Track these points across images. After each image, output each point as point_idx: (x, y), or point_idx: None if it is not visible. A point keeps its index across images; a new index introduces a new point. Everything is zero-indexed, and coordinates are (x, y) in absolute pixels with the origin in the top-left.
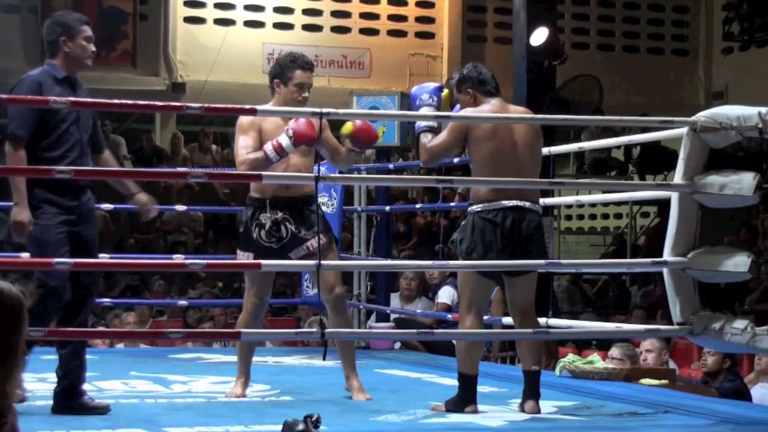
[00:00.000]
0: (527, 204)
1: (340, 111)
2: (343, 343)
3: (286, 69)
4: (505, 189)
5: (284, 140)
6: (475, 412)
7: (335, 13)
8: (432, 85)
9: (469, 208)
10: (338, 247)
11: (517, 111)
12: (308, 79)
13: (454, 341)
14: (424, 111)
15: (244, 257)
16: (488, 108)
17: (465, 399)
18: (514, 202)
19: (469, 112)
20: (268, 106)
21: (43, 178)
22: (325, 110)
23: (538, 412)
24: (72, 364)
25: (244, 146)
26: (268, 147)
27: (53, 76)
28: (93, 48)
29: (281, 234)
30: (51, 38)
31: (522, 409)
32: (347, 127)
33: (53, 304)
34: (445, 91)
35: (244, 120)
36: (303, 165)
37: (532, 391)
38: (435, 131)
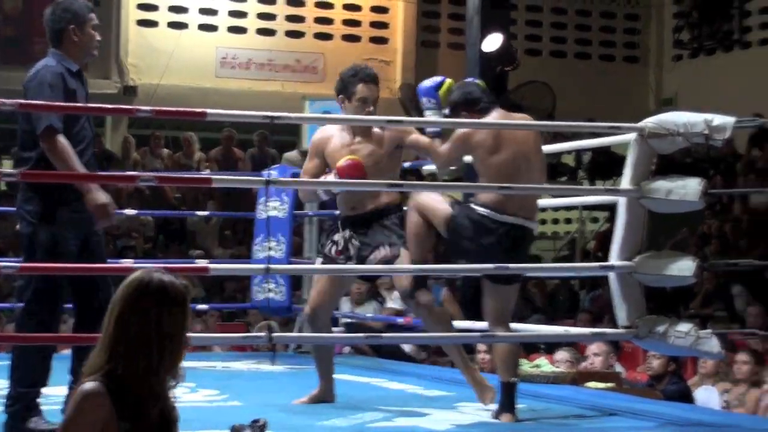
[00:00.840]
0: (527, 222)
1: (291, 115)
2: (457, 356)
3: (349, 84)
4: (512, 201)
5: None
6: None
7: (289, 18)
8: (430, 83)
9: (473, 205)
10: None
11: (519, 119)
12: (372, 93)
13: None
14: (428, 116)
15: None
16: (492, 120)
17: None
18: (519, 221)
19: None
20: (221, 111)
21: (55, 185)
22: (275, 114)
23: (513, 421)
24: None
25: (304, 171)
26: (319, 190)
27: (68, 69)
28: (99, 37)
29: (348, 253)
30: (59, 26)
31: (497, 419)
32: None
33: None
34: (446, 83)
35: (311, 145)
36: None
37: (508, 403)
38: (439, 136)
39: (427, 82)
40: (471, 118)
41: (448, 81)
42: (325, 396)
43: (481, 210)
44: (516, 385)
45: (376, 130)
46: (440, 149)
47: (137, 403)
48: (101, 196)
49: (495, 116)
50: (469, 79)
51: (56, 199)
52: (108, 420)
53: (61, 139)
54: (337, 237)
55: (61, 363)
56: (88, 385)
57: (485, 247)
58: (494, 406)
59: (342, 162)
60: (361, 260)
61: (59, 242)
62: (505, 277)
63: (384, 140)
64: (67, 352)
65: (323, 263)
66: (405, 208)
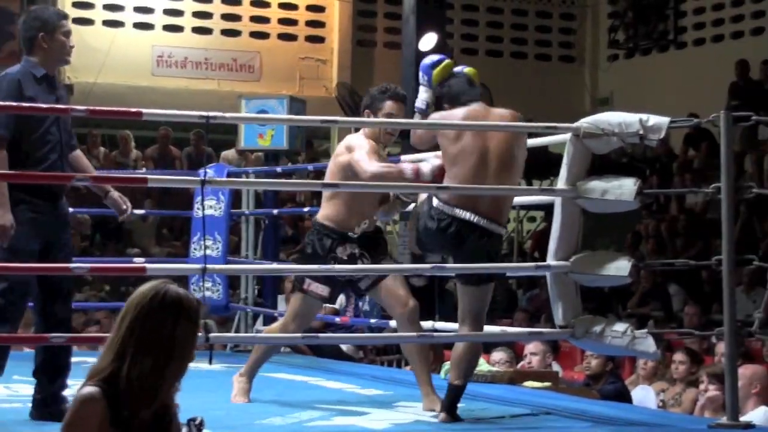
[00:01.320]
0: (491, 225)
1: (227, 115)
2: (420, 362)
3: (377, 100)
4: (470, 198)
5: (426, 169)
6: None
7: (225, 16)
8: (429, 60)
9: (433, 198)
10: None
11: (500, 115)
12: (399, 111)
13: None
14: (421, 90)
15: (317, 288)
16: (461, 112)
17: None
18: (474, 219)
19: (436, 115)
20: (157, 111)
21: (20, 184)
22: (211, 114)
23: (451, 422)
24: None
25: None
26: (407, 166)
27: (32, 75)
28: (72, 43)
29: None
30: (29, 34)
31: (437, 417)
32: None
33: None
34: (444, 63)
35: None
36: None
37: (448, 405)
38: (424, 113)
39: (428, 59)
40: (454, 108)
41: (447, 62)
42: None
43: (435, 203)
44: (462, 389)
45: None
46: (417, 132)
47: (134, 409)
48: (6, 218)
49: (472, 109)
50: (460, 68)
51: (13, 199)
52: (102, 424)
53: (1, 153)
54: (339, 252)
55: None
56: (86, 389)
57: (432, 238)
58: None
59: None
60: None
61: (19, 240)
62: (475, 278)
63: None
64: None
65: (328, 285)
66: None
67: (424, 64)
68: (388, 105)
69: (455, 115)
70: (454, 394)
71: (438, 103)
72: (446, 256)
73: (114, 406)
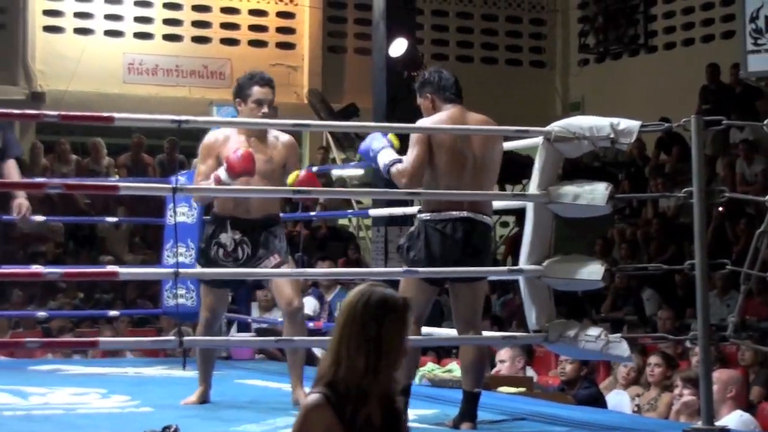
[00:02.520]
0: (478, 216)
1: (199, 119)
2: (293, 356)
3: (245, 86)
4: (457, 199)
5: (222, 174)
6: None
7: (196, 23)
8: (375, 136)
9: (418, 215)
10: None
11: (477, 119)
12: (266, 95)
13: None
14: (385, 153)
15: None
16: (444, 115)
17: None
18: (464, 214)
19: (424, 122)
20: (129, 115)
21: None
22: (183, 118)
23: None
24: None
25: (197, 173)
26: (211, 181)
27: None
28: None
29: (237, 255)
30: None
31: (456, 428)
32: (291, 178)
33: None
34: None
35: (202, 146)
36: (267, 185)
37: (469, 413)
38: (397, 162)
39: (372, 136)
40: (433, 101)
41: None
42: (205, 397)
43: (426, 216)
44: (479, 395)
45: (271, 138)
46: (404, 164)
47: (356, 408)
48: None
49: (452, 111)
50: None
51: None
52: (331, 429)
53: None
54: (224, 238)
55: None
56: (310, 398)
57: (435, 248)
58: None
59: (232, 154)
60: (254, 265)
61: None
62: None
63: (278, 150)
64: None
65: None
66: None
67: (375, 138)
68: (256, 90)
69: (440, 119)
70: (475, 401)
71: (422, 87)
72: (457, 258)
73: (339, 408)
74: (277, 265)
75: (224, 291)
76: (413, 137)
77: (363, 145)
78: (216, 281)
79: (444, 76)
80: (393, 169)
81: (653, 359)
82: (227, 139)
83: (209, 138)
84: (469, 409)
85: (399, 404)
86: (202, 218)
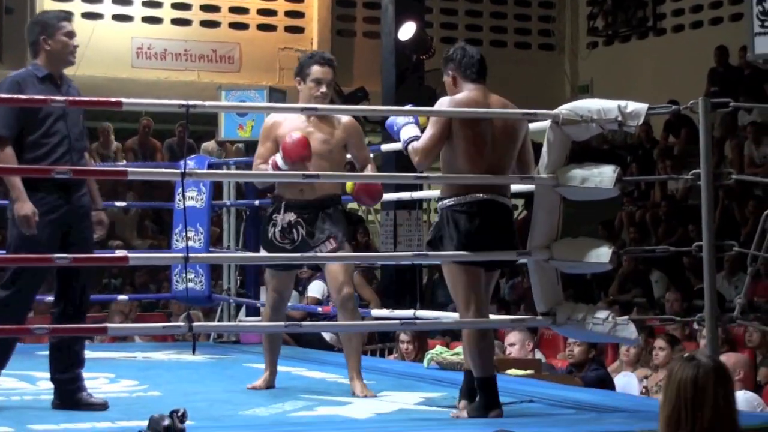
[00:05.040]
0: (499, 198)
1: (207, 103)
2: (348, 345)
3: (304, 65)
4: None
5: (279, 160)
6: (500, 416)
7: (204, 7)
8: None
9: (439, 204)
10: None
11: (498, 102)
12: (326, 75)
13: (463, 349)
14: (407, 129)
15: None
16: (465, 95)
17: (487, 405)
18: (486, 196)
19: (444, 101)
20: (137, 100)
21: (28, 177)
22: (191, 103)
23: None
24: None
25: (257, 155)
26: (269, 165)
27: (35, 75)
28: (75, 43)
29: (293, 237)
30: (32, 39)
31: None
32: (349, 186)
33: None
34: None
35: (262, 128)
36: (326, 168)
37: (491, 400)
38: (416, 138)
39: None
40: (455, 78)
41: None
42: (271, 383)
43: (449, 202)
44: (494, 380)
45: (332, 118)
46: (420, 142)
47: None
48: (25, 207)
49: (474, 91)
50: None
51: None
52: None
53: (6, 149)
54: (278, 220)
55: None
56: None
57: (463, 228)
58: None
59: (288, 138)
60: (310, 247)
61: (37, 232)
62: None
63: (336, 131)
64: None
65: (267, 250)
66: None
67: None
68: (315, 69)
69: (461, 98)
70: (491, 386)
71: (445, 63)
72: (487, 242)
73: None
74: (333, 251)
75: (289, 273)
76: (433, 117)
77: (390, 119)
78: (278, 265)
79: (468, 53)
80: (410, 147)
81: (658, 342)
82: (285, 120)
83: (268, 120)
84: (487, 396)
85: None
86: (211, 202)
